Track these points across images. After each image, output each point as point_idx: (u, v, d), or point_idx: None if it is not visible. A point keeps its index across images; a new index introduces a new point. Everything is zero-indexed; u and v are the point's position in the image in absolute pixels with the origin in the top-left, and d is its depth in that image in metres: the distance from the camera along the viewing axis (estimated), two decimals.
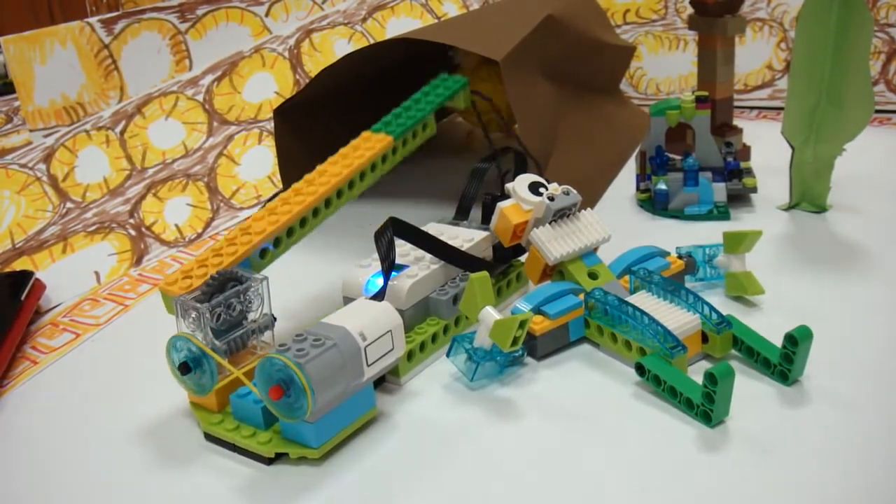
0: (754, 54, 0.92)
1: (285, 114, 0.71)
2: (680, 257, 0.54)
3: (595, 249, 0.52)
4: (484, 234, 0.54)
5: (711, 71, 0.72)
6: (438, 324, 0.49)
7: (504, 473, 0.40)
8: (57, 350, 0.55)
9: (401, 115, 0.59)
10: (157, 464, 0.43)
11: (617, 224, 0.61)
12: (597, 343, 0.49)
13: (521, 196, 0.51)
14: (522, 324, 0.44)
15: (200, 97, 0.87)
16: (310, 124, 0.72)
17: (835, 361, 0.46)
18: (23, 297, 0.58)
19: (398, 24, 0.95)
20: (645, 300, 0.49)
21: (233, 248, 0.47)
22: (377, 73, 0.78)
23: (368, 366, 0.41)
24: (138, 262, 0.68)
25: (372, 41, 0.93)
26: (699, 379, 0.42)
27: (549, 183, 0.52)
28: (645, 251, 0.53)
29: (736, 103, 0.84)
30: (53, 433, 0.46)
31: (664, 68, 0.95)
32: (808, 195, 0.65)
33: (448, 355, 0.48)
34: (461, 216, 0.58)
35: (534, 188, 0.51)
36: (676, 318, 0.47)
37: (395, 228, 0.49)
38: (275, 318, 0.46)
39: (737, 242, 0.52)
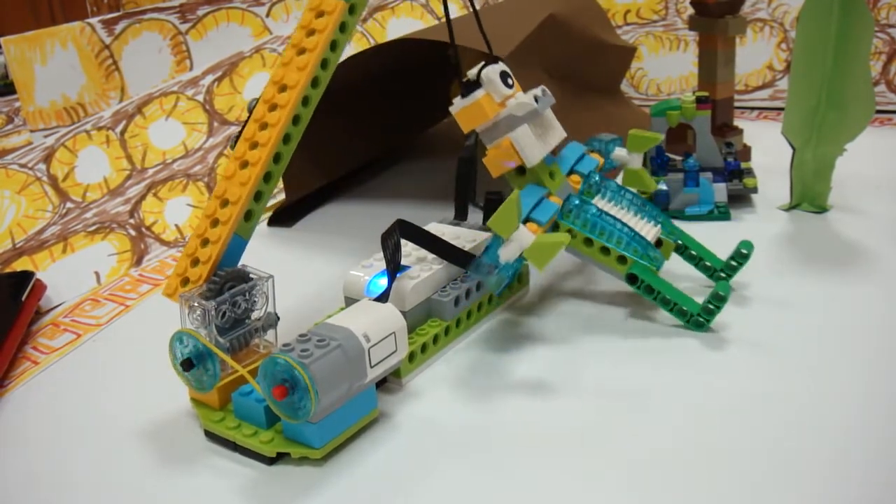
0: (755, 55, 0.93)
1: None
2: (591, 151, 0.57)
3: None
4: (487, 234, 0.54)
5: (712, 71, 0.72)
6: (440, 325, 0.49)
7: (505, 473, 0.40)
8: (58, 350, 0.55)
9: None
10: (158, 464, 0.43)
11: None
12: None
13: (498, 88, 0.49)
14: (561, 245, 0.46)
15: (201, 97, 0.87)
16: (310, 125, 0.72)
17: (835, 360, 0.46)
18: (23, 298, 0.58)
19: (398, 25, 0.95)
20: (606, 206, 0.52)
21: (216, 230, 0.44)
22: (378, 73, 0.78)
23: (372, 367, 0.41)
24: (138, 262, 0.68)
25: (372, 42, 0.93)
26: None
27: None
28: (578, 151, 0.55)
29: (736, 104, 0.84)
30: (54, 433, 0.46)
31: (665, 69, 0.95)
32: (809, 195, 0.65)
33: (469, 273, 0.49)
34: (461, 216, 0.58)
35: (503, 79, 0.49)
36: (645, 228, 0.51)
37: (403, 231, 0.48)
38: (278, 317, 0.46)
39: (642, 143, 0.56)
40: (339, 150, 0.79)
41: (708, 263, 0.54)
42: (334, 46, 0.46)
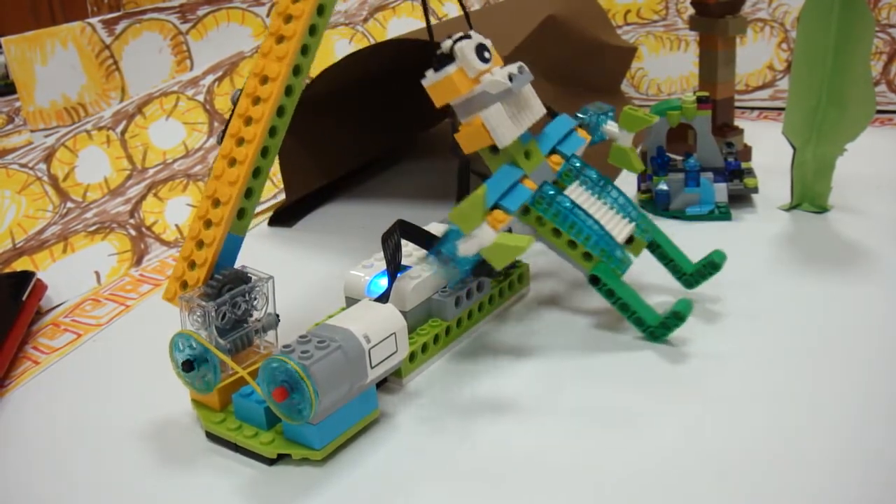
0: (755, 55, 0.92)
1: None
2: (580, 126, 0.54)
3: None
4: None
5: (712, 71, 0.72)
6: (440, 325, 0.49)
7: (505, 473, 0.40)
8: (58, 350, 0.55)
9: None
10: (158, 464, 0.43)
11: None
12: (534, 227, 0.50)
13: (472, 64, 0.46)
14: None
15: (201, 97, 0.87)
16: (310, 125, 0.72)
17: (835, 360, 0.46)
18: (24, 298, 0.58)
19: (399, 25, 0.95)
20: (581, 197, 0.50)
21: (210, 232, 0.44)
22: (377, 73, 0.78)
23: (372, 368, 0.41)
24: (138, 262, 0.68)
25: (373, 41, 0.93)
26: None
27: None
28: (565, 127, 0.52)
29: (737, 104, 0.84)
30: (55, 433, 0.46)
31: (665, 69, 0.95)
32: (810, 195, 0.65)
33: (429, 256, 0.48)
34: None
35: (479, 52, 0.46)
36: (618, 225, 0.50)
37: (403, 231, 0.48)
38: (278, 318, 0.46)
39: (636, 123, 0.54)
40: (339, 150, 0.79)
41: (678, 265, 0.53)
42: (313, 31, 0.44)
